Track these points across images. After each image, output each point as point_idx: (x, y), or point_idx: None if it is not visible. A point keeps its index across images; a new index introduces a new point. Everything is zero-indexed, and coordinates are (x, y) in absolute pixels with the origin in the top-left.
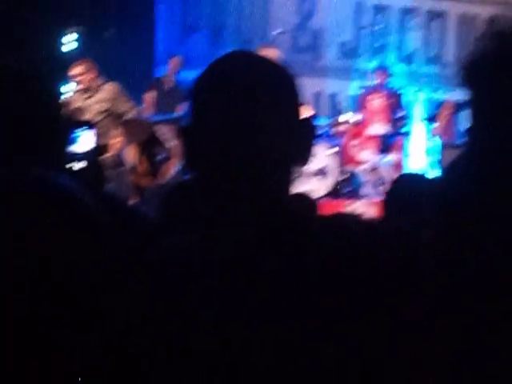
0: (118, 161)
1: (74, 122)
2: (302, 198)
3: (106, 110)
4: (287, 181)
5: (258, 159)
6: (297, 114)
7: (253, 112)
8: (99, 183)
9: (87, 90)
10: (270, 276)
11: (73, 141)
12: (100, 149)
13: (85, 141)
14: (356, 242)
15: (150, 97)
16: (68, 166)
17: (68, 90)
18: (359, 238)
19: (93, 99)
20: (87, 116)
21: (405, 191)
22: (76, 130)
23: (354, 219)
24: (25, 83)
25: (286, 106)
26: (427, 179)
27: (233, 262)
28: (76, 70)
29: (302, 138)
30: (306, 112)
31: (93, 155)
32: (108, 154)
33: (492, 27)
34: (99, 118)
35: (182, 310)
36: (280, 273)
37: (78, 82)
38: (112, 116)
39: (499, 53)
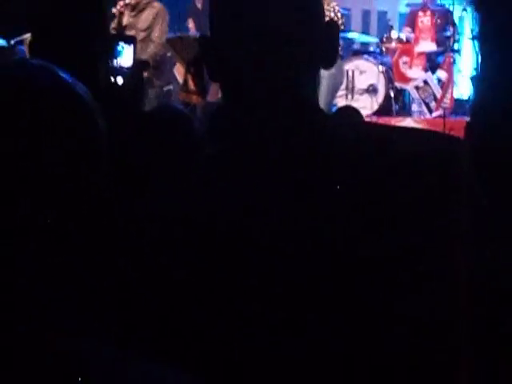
0: (168, 78)
1: (117, 35)
2: (350, 111)
3: (147, 28)
4: (314, 82)
5: (283, 63)
6: (318, 16)
7: (274, 17)
8: (140, 98)
9: (135, 7)
10: (305, 184)
11: (116, 55)
12: (144, 64)
13: (128, 56)
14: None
15: (191, 21)
16: (111, 79)
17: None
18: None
19: (140, 16)
20: (132, 32)
21: None
22: (119, 44)
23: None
24: None
25: (308, 10)
26: None
27: (267, 169)
28: None
29: (326, 40)
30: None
31: (136, 70)
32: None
33: None
34: (143, 35)
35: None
36: (316, 184)
37: None
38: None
39: None
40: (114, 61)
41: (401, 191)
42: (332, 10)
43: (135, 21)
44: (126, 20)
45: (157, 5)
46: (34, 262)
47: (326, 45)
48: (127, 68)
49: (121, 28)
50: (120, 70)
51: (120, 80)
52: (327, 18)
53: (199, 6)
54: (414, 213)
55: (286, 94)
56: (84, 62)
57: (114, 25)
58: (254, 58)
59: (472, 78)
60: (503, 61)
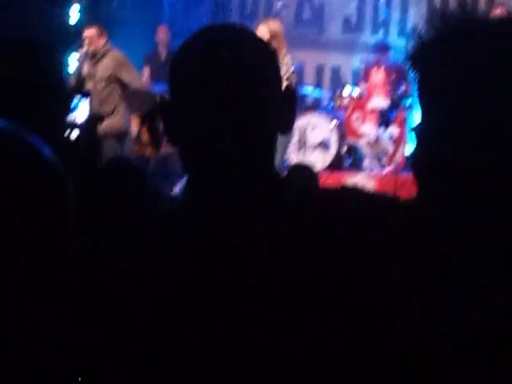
0: (122, 131)
1: (73, 90)
2: (303, 168)
3: (109, 77)
4: (272, 150)
5: (239, 130)
6: (276, 82)
7: (230, 83)
8: (96, 152)
9: (95, 55)
10: (260, 247)
11: (72, 109)
12: (99, 118)
13: (83, 109)
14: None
15: (147, 69)
16: (66, 134)
17: (77, 57)
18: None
19: (99, 65)
20: (92, 82)
21: None
22: (75, 99)
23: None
24: (29, 52)
25: (264, 75)
26: None
27: (221, 234)
28: (88, 33)
29: (284, 106)
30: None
31: (91, 124)
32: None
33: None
34: (103, 84)
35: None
36: (271, 244)
37: (88, 45)
38: (116, 84)
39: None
40: (70, 115)
41: (355, 258)
42: (285, 64)
43: (95, 70)
44: (85, 69)
45: (115, 53)
46: (25, 274)
47: (284, 111)
48: (82, 122)
49: (81, 78)
50: (75, 124)
51: (75, 134)
52: (287, 74)
53: (162, 53)
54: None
55: (244, 161)
56: (42, 119)
57: (74, 76)
58: (213, 124)
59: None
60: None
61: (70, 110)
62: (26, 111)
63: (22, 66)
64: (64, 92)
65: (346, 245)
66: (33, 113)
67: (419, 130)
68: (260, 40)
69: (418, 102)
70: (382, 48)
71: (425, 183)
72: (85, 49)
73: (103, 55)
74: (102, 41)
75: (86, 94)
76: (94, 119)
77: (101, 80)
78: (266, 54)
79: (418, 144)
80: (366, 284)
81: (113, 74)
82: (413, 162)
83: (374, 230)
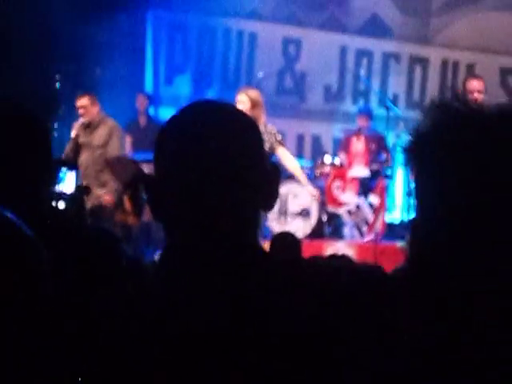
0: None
1: (60, 161)
2: (286, 237)
3: (103, 145)
4: (255, 225)
5: (223, 207)
6: (261, 160)
7: (215, 161)
8: (82, 222)
9: (90, 124)
10: (247, 321)
11: (59, 180)
12: (87, 190)
13: (70, 181)
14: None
15: (128, 137)
16: (53, 204)
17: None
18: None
19: (95, 133)
20: (88, 151)
21: None
22: (62, 170)
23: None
24: (15, 122)
25: (249, 153)
26: None
27: (207, 311)
28: (81, 102)
29: (267, 184)
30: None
31: (78, 195)
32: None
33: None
34: (99, 152)
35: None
36: (259, 317)
37: (83, 115)
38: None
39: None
40: (56, 186)
41: (338, 329)
42: (270, 132)
43: (91, 139)
44: (81, 139)
45: (110, 122)
46: (23, 310)
47: (267, 188)
48: (69, 193)
49: (77, 147)
50: (62, 195)
51: (62, 205)
52: (268, 144)
53: (142, 122)
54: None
55: (227, 238)
56: (27, 189)
57: (70, 145)
58: (197, 201)
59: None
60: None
61: (56, 181)
62: (12, 180)
63: (10, 134)
64: (51, 162)
65: (337, 310)
66: (19, 182)
67: (414, 221)
68: (244, 116)
69: (406, 172)
70: (365, 115)
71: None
72: (80, 119)
73: (98, 124)
74: (96, 109)
75: (72, 167)
76: (82, 191)
77: (97, 148)
78: (251, 131)
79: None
80: (356, 348)
81: (106, 142)
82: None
83: (363, 298)
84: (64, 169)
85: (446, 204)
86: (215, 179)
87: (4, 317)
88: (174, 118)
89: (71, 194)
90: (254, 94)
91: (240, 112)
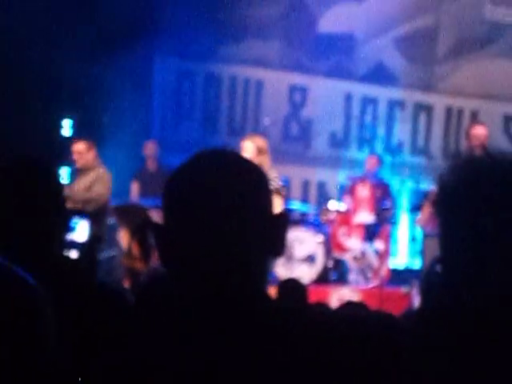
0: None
1: (73, 211)
2: (292, 283)
3: (88, 188)
4: (263, 272)
5: (231, 256)
6: (268, 208)
7: (222, 211)
8: (93, 271)
9: (84, 170)
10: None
11: (71, 229)
12: (98, 239)
13: (82, 230)
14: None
15: (135, 184)
16: (65, 253)
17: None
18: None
19: (82, 178)
20: (81, 196)
21: None
22: (73, 219)
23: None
24: (24, 171)
25: (256, 202)
26: None
27: (213, 356)
28: (77, 147)
29: (275, 232)
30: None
31: (90, 244)
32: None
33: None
34: (82, 194)
35: None
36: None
37: (77, 160)
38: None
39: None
40: (69, 235)
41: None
42: (272, 179)
43: (78, 183)
44: (77, 185)
45: (100, 169)
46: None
47: (275, 236)
48: (82, 242)
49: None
50: (74, 244)
51: (74, 254)
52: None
53: (151, 167)
54: None
55: (233, 287)
56: (39, 238)
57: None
58: (203, 250)
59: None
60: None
61: (68, 230)
62: (24, 229)
63: (21, 183)
64: (62, 211)
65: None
66: (31, 231)
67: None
68: (251, 165)
69: (411, 218)
70: (372, 161)
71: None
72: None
73: (88, 171)
74: (91, 155)
75: (85, 216)
76: (94, 240)
77: (81, 190)
78: (258, 180)
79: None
80: None
81: (90, 186)
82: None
83: (371, 349)
84: (76, 217)
85: (475, 254)
86: (221, 228)
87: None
88: (181, 167)
89: (84, 243)
90: (259, 140)
91: (246, 161)
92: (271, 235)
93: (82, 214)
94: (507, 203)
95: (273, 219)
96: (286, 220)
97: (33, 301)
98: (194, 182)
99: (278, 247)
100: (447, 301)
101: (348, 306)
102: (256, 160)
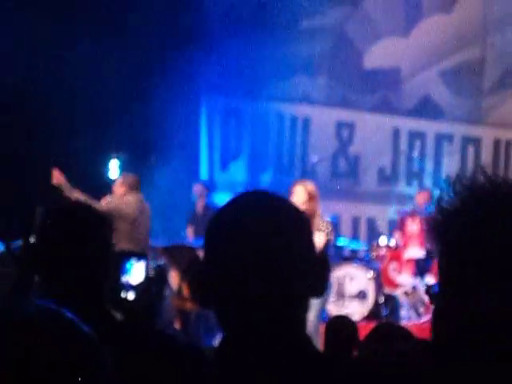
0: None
1: (129, 253)
2: (342, 320)
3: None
4: (304, 312)
5: (274, 297)
6: (310, 249)
7: (265, 253)
8: (151, 314)
9: (115, 199)
10: None
11: (127, 271)
12: (152, 279)
13: (139, 271)
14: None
15: (190, 228)
16: (122, 295)
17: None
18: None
19: (116, 202)
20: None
21: None
22: (128, 261)
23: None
24: (81, 218)
25: (296, 246)
26: None
27: None
28: (116, 179)
29: (317, 272)
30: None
31: (147, 286)
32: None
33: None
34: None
35: None
36: None
37: (113, 190)
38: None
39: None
40: (125, 276)
41: None
42: (324, 225)
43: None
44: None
45: (111, 205)
46: None
47: (317, 277)
48: (138, 284)
49: None
50: (131, 286)
51: (131, 295)
52: (319, 233)
53: (200, 209)
54: None
55: (276, 327)
56: (90, 280)
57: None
58: (243, 293)
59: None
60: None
61: (123, 272)
62: (71, 276)
63: (72, 231)
64: (109, 254)
65: None
66: (78, 277)
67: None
68: (292, 208)
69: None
70: (428, 192)
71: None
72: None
73: (121, 199)
74: (120, 190)
75: (142, 257)
76: (151, 281)
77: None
78: (299, 222)
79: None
80: None
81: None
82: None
83: None
84: (133, 259)
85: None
86: (262, 272)
87: None
88: (223, 209)
89: (139, 285)
90: (310, 186)
91: (286, 202)
92: (313, 276)
93: (139, 255)
94: (506, 228)
95: (314, 261)
96: (327, 261)
97: (91, 351)
98: (235, 224)
99: (319, 287)
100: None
101: (405, 341)
102: (306, 205)
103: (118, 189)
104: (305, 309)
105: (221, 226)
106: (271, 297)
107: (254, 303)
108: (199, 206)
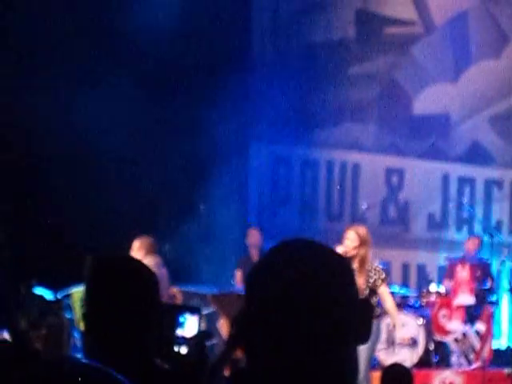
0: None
1: (183, 306)
2: (398, 369)
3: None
4: (351, 359)
5: (313, 346)
6: (351, 298)
7: (305, 303)
8: (204, 369)
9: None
10: None
11: (180, 324)
12: (207, 334)
13: (192, 325)
14: None
15: (239, 272)
16: (175, 349)
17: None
18: None
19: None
20: None
21: None
22: (184, 315)
23: None
24: (135, 270)
25: (338, 295)
26: None
27: None
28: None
29: (359, 320)
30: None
31: (199, 340)
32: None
33: None
34: None
35: None
36: None
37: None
38: None
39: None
40: (178, 330)
41: None
42: (376, 269)
43: None
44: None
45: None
46: None
47: (360, 324)
48: (191, 338)
49: None
50: (184, 340)
51: (184, 350)
52: (372, 280)
53: (254, 256)
54: None
55: (318, 375)
56: (135, 334)
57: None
58: (282, 344)
59: None
60: None
61: (177, 326)
62: (120, 325)
63: (116, 284)
64: (157, 308)
65: None
66: (127, 327)
67: None
68: (335, 255)
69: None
70: (478, 238)
71: None
72: None
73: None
74: (140, 253)
75: (195, 311)
76: (204, 336)
77: None
78: (341, 270)
79: None
80: None
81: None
82: None
83: None
84: (186, 313)
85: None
86: (302, 324)
87: None
88: (266, 257)
89: (192, 338)
90: (362, 232)
91: (329, 249)
92: (354, 323)
93: (192, 309)
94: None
95: (356, 308)
96: (370, 308)
97: None
98: (275, 274)
99: (362, 334)
100: None
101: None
102: (358, 251)
103: (136, 253)
104: (351, 358)
105: (262, 274)
106: (313, 344)
107: (290, 359)
108: (254, 252)
